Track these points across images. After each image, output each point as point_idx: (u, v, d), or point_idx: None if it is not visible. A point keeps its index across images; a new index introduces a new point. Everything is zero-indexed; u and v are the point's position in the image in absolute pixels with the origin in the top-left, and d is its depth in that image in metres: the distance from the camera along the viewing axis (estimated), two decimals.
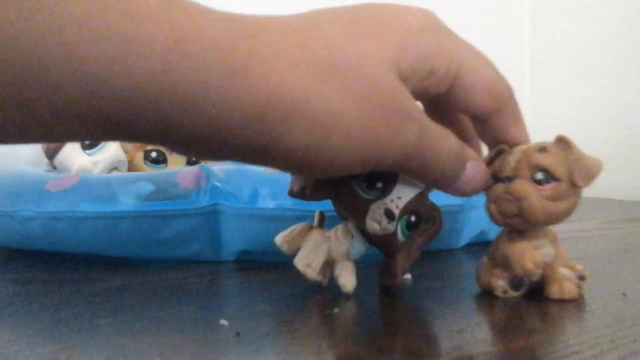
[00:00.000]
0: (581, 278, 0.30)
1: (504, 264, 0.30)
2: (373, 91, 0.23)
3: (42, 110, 0.19)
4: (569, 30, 0.96)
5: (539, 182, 0.28)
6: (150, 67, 0.19)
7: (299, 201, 0.30)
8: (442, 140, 0.26)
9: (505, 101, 0.27)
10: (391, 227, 0.28)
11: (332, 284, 0.31)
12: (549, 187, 0.28)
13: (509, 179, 0.29)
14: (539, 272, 0.30)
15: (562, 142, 0.29)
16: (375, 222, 0.28)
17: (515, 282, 0.30)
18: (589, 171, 0.28)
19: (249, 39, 0.21)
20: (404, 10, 0.25)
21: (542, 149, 0.29)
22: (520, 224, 0.29)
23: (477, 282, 0.31)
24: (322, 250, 0.30)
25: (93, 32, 0.18)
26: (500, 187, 0.29)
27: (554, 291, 0.30)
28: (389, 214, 0.28)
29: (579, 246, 0.45)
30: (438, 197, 0.31)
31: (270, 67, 0.21)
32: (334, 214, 0.32)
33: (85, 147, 0.54)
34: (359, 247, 0.30)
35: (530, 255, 0.29)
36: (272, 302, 0.30)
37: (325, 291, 0.31)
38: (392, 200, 0.29)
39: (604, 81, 0.90)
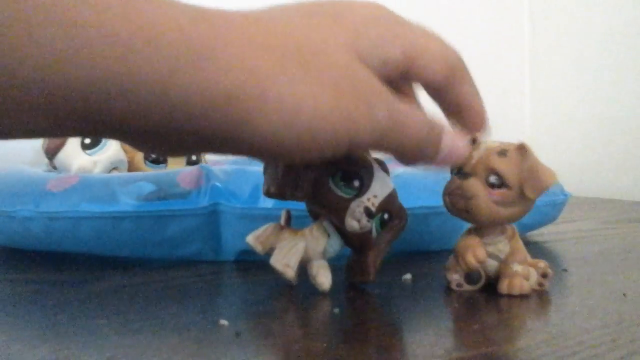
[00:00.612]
0: (544, 275, 0.31)
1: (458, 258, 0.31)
2: (339, 73, 0.24)
3: (7, 103, 0.19)
4: (569, 30, 0.96)
5: (491, 185, 0.29)
6: (114, 55, 0.19)
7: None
8: (411, 114, 0.26)
9: (457, 70, 0.28)
10: (370, 225, 0.29)
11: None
12: (499, 192, 0.29)
13: (466, 175, 0.30)
14: (493, 267, 0.31)
15: (521, 150, 0.29)
16: (355, 221, 0.29)
17: (471, 276, 0.31)
18: (540, 184, 0.29)
19: (216, 27, 0.22)
20: (356, 3, 0.27)
21: (503, 152, 0.29)
22: (469, 220, 0.30)
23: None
24: (299, 250, 0.30)
25: (57, 22, 0.18)
26: (455, 182, 0.30)
27: (503, 287, 0.30)
28: (369, 212, 0.29)
29: (579, 246, 0.45)
30: (437, 199, 0.31)
31: (238, 51, 0.21)
32: (299, 213, 0.32)
33: (85, 147, 0.54)
34: (335, 245, 0.31)
35: (474, 249, 0.30)
36: (272, 302, 0.30)
37: (325, 292, 0.31)
38: (368, 199, 0.29)
39: (604, 81, 0.90)
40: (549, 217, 0.49)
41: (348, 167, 0.29)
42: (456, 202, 0.30)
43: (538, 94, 1.01)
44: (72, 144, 0.54)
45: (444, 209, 0.32)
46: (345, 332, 0.26)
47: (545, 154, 0.30)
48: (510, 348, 0.23)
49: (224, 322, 0.26)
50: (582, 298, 0.30)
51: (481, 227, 0.31)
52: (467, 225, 0.32)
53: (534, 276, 0.31)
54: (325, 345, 0.23)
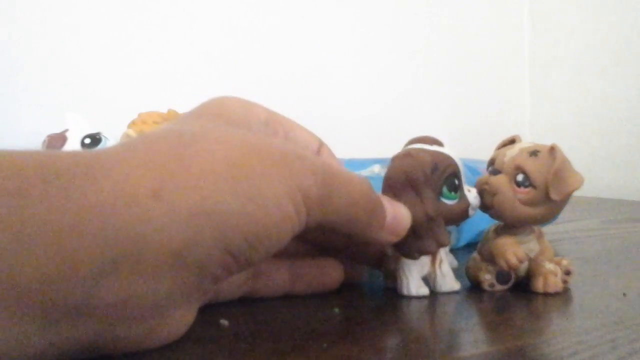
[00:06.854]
0: (567, 273, 0.31)
1: (491, 258, 0.31)
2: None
3: None
4: (569, 30, 0.96)
5: (518, 184, 0.29)
6: None
7: None
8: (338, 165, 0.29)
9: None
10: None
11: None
12: (524, 191, 0.29)
13: (496, 172, 0.30)
14: (522, 266, 0.31)
15: (552, 151, 0.29)
16: (473, 210, 0.30)
17: (502, 276, 0.31)
18: (565, 187, 0.29)
19: None
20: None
21: (535, 152, 0.29)
22: (495, 217, 0.31)
23: (467, 276, 0.32)
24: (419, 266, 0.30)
25: None
26: (485, 177, 0.30)
27: (538, 285, 0.30)
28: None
29: (579, 246, 0.45)
30: None
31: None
32: None
33: (85, 147, 0.54)
34: (454, 237, 0.32)
35: (513, 249, 0.30)
36: (272, 302, 0.30)
37: (324, 291, 0.31)
38: (465, 184, 0.30)
39: (604, 81, 0.90)
40: None
41: (443, 175, 0.29)
42: (483, 197, 0.30)
43: (538, 94, 1.01)
44: (72, 144, 0.54)
45: None
46: (345, 332, 0.26)
47: None
48: (510, 348, 0.23)
49: (224, 322, 0.26)
50: (582, 298, 0.30)
51: (510, 227, 0.31)
52: (466, 226, 0.32)
53: (559, 274, 0.31)
54: (325, 345, 0.23)
